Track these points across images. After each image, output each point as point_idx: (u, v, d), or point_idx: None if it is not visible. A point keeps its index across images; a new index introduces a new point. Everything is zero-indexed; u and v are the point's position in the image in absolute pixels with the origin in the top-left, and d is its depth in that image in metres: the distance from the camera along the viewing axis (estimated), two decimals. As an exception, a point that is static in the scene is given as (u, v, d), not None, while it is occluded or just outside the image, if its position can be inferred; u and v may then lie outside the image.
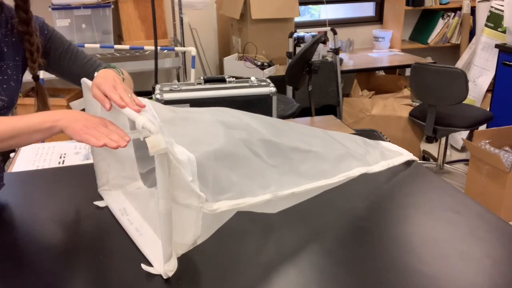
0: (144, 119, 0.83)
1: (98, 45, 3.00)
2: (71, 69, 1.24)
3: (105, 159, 1.17)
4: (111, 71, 1.05)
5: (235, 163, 0.93)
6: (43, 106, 1.25)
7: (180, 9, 3.34)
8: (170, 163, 0.80)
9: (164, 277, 0.87)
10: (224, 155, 0.92)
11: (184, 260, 0.91)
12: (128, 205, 1.12)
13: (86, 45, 2.87)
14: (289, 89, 3.02)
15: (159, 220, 0.83)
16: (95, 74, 1.03)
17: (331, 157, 1.12)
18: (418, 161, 1.37)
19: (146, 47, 2.86)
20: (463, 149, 3.67)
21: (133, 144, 1.13)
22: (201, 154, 0.86)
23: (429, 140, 3.44)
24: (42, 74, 2.85)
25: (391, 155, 1.30)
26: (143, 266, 0.90)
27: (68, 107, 3.10)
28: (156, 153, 0.77)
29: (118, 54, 3.22)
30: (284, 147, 1.04)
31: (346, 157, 1.15)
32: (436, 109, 2.95)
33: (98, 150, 1.16)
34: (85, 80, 1.09)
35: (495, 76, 3.26)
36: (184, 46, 3.38)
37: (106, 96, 0.94)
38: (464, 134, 3.48)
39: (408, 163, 1.34)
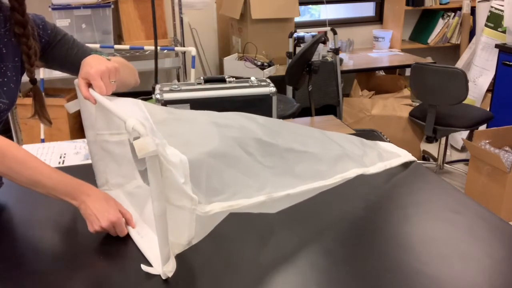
0: (135, 121, 0.81)
1: (98, 45, 3.00)
2: (73, 60, 1.22)
3: (102, 159, 1.17)
4: (95, 56, 1.06)
5: (229, 164, 0.93)
6: (40, 108, 1.24)
7: (180, 9, 3.34)
8: (162, 165, 0.79)
9: (163, 278, 0.87)
10: (218, 156, 0.91)
11: (183, 261, 0.91)
12: (128, 206, 1.12)
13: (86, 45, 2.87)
14: (289, 89, 3.02)
15: (155, 222, 0.83)
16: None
17: (327, 158, 1.11)
18: (418, 161, 1.37)
19: (146, 47, 2.86)
20: (463, 149, 3.67)
21: (129, 144, 1.13)
22: (194, 155, 0.85)
23: (429, 140, 3.44)
24: (42, 74, 2.85)
25: (388, 156, 1.29)
26: (143, 267, 0.90)
27: (68, 107, 3.10)
28: (144, 156, 0.76)
29: (118, 54, 3.22)
30: (279, 148, 1.03)
31: (342, 158, 1.14)
32: (436, 109, 2.94)
33: (95, 151, 1.16)
34: (77, 81, 1.09)
35: (495, 76, 3.26)
36: (184, 46, 3.38)
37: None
38: (464, 134, 3.48)
39: (408, 163, 1.34)
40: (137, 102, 0.97)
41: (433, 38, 4.10)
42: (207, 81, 1.74)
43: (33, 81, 1.21)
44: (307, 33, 3.35)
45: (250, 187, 0.92)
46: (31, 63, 1.16)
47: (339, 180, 1.08)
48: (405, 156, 1.34)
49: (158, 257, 0.88)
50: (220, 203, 0.87)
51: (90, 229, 0.98)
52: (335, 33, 3.23)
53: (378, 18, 4.28)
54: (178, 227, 0.85)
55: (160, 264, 0.87)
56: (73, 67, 1.20)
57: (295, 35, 3.22)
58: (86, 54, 1.21)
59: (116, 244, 0.99)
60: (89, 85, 1.01)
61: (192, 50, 2.76)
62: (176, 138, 0.87)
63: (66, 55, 1.23)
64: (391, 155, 1.31)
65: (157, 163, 0.79)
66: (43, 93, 1.25)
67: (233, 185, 0.91)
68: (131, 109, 0.93)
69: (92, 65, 1.01)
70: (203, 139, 0.94)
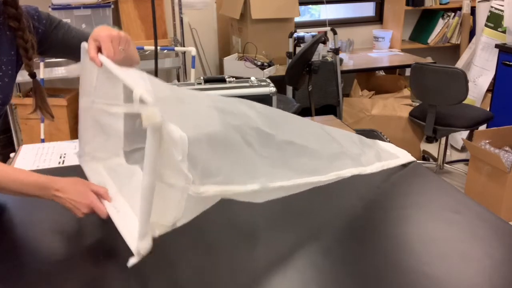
0: (142, 89, 0.78)
1: (98, 45, 3.00)
2: (72, 43, 1.21)
3: (90, 129, 1.13)
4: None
5: (226, 150, 0.91)
6: (41, 102, 1.23)
7: (180, 9, 3.34)
8: (162, 139, 0.77)
9: (137, 256, 0.83)
10: (217, 140, 0.90)
11: (184, 261, 0.91)
12: (107, 179, 1.08)
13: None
14: (289, 89, 3.02)
15: (140, 195, 0.80)
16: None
17: (325, 154, 1.10)
18: (418, 161, 1.37)
19: (146, 47, 2.86)
20: (463, 149, 3.67)
21: (124, 118, 1.09)
22: (193, 135, 0.83)
23: (429, 140, 3.44)
24: (42, 74, 2.85)
25: (386, 156, 1.29)
26: (129, 262, 0.85)
27: (68, 106, 3.10)
28: (150, 125, 0.74)
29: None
30: (278, 140, 1.02)
31: (340, 156, 1.13)
32: (436, 109, 2.94)
33: (85, 119, 1.13)
34: (84, 44, 1.07)
35: (495, 76, 3.26)
36: (184, 46, 3.38)
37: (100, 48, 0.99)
38: (464, 134, 3.48)
39: (408, 163, 1.34)
40: (142, 74, 0.96)
41: (433, 38, 4.10)
42: (207, 81, 1.74)
43: (32, 75, 1.20)
44: (307, 33, 3.35)
45: (245, 174, 0.91)
46: (29, 57, 1.15)
47: (334, 178, 1.07)
48: (404, 157, 1.34)
49: (133, 233, 0.84)
50: (214, 186, 0.85)
51: (76, 216, 0.99)
52: (335, 33, 3.23)
53: (378, 18, 4.28)
54: (164, 207, 0.82)
55: (135, 240, 0.83)
56: (73, 51, 1.19)
57: (295, 35, 3.22)
58: (84, 36, 1.19)
59: (117, 244, 0.99)
60: (99, 49, 1.01)
61: (192, 50, 2.76)
62: (176, 117, 0.84)
63: (63, 39, 1.21)
64: (389, 156, 1.30)
65: (158, 135, 0.76)
66: (43, 87, 1.24)
67: (229, 170, 0.89)
68: (137, 79, 0.91)
69: (104, 29, 1.02)
70: (203, 121, 0.92)
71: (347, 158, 1.15)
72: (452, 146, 3.74)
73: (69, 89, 3.24)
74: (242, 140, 0.95)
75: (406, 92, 3.69)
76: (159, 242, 0.83)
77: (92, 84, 1.10)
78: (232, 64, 3.28)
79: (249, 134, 0.96)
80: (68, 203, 0.98)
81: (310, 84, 2.37)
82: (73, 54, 1.20)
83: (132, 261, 0.86)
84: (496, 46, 3.24)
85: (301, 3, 3.64)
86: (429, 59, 3.89)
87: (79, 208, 0.98)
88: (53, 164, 1.48)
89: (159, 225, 0.85)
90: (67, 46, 1.22)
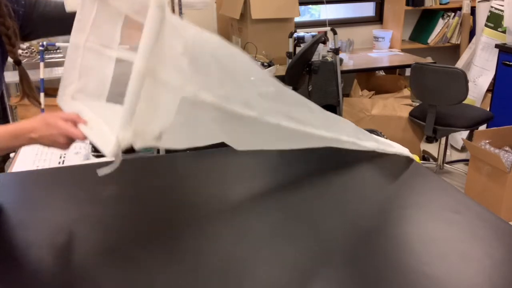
0: None
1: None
2: (54, 16, 1.20)
3: (77, 67, 1.09)
4: None
5: (233, 77, 0.83)
6: (28, 90, 1.22)
7: (180, 9, 3.34)
8: (164, 22, 0.68)
9: (113, 151, 0.76)
10: (228, 70, 0.81)
11: (186, 266, 0.90)
12: (86, 110, 1.02)
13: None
14: (289, 89, 3.02)
15: (129, 82, 0.71)
16: None
17: (326, 120, 1.08)
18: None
19: (146, 47, 2.86)
20: (463, 149, 3.67)
21: (116, 67, 1.04)
22: (202, 47, 0.73)
23: (429, 140, 3.44)
24: (42, 74, 2.85)
25: (383, 143, 1.30)
26: (99, 171, 0.79)
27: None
28: (157, 3, 0.67)
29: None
30: (281, 94, 0.97)
31: (339, 125, 1.13)
32: (436, 109, 2.95)
33: (73, 57, 1.08)
34: None
35: (495, 76, 3.26)
36: (184, 46, 3.38)
37: None
38: (464, 134, 3.48)
39: (407, 163, 1.34)
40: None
41: (433, 38, 4.10)
42: (207, 81, 1.73)
43: (17, 62, 1.19)
44: (307, 33, 3.35)
45: (245, 103, 0.85)
46: (12, 44, 1.14)
47: (331, 136, 1.03)
48: (399, 149, 1.35)
49: (109, 141, 0.77)
50: (213, 97, 0.77)
51: (62, 150, 0.98)
52: (335, 33, 3.23)
53: (378, 18, 4.28)
54: (153, 109, 0.73)
55: (111, 145, 0.76)
56: (57, 23, 1.18)
57: (295, 35, 3.22)
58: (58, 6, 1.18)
59: (116, 243, 0.99)
60: None
61: (192, 50, 2.76)
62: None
63: (44, 13, 1.21)
64: (386, 145, 1.32)
65: (161, 14, 0.68)
66: (28, 74, 1.23)
67: (230, 90, 0.82)
68: None
69: None
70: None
71: (345, 129, 1.14)
72: (452, 146, 3.74)
73: (69, 89, 3.24)
74: (248, 85, 0.88)
75: (406, 92, 3.69)
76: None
77: (89, 21, 1.05)
78: (232, 64, 3.28)
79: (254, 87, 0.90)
80: (45, 140, 0.97)
81: (310, 84, 2.37)
82: (58, 27, 1.19)
83: (104, 171, 0.79)
84: (496, 46, 3.24)
85: (301, 3, 3.64)
86: (429, 59, 3.89)
87: (56, 141, 0.96)
88: (53, 164, 1.49)
89: (142, 133, 0.76)
90: (50, 20, 1.21)
